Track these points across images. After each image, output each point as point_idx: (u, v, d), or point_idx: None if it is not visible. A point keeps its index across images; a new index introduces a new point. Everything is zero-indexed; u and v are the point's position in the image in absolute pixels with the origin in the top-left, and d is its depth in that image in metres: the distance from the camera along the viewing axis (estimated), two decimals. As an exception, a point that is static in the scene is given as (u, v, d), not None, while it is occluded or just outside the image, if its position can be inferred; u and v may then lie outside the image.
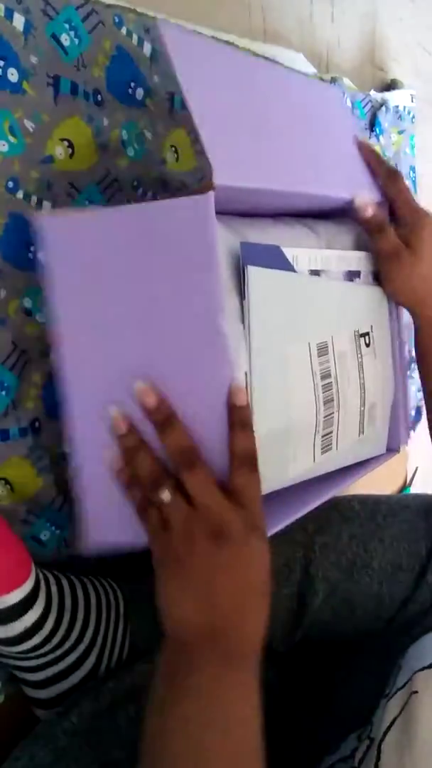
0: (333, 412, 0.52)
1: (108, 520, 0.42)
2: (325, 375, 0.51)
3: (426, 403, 0.59)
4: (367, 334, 0.56)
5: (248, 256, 0.44)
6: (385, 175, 0.56)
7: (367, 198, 0.53)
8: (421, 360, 0.59)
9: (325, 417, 0.51)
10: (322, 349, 0.51)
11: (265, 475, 0.43)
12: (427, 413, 0.59)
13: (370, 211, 0.53)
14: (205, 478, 0.38)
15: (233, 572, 0.37)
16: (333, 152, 0.56)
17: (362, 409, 0.56)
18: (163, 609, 0.38)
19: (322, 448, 0.52)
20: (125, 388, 0.41)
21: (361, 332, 0.56)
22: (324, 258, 0.52)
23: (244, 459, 0.39)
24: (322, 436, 0.52)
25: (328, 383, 0.51)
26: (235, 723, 0.35)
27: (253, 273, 0.44)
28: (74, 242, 0.42)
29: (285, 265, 0.48)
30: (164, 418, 0.39)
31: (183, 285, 0.41)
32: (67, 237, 0.42)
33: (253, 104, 0.48)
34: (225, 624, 0.37)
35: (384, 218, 0.54)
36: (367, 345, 0.56)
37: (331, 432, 0.53)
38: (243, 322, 0.44)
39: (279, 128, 0.50)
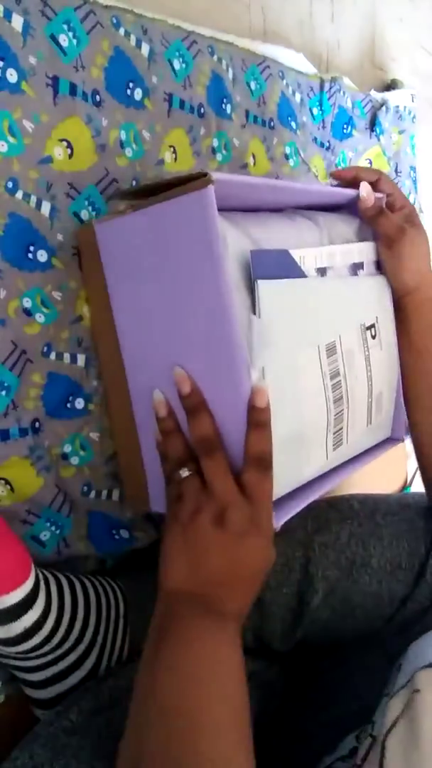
0: (343, 409, 0.52)
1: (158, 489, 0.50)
2: (334, 374, 0.51)
3: (411, 416, 0.60)
4: (373, 326, 0.56)
5: (258, 265, 0.45)
6: (374, 177, 0.58)
7: (370, 189, 0.56)
8: (414, 352, 0.59)
9: (335, 415, 0.51)
10: (331, 350, 0.51)
11: (280, 479, 0.45)
12: (411, 428, 0.60)
13: (372, 199, 0.55)
14: (221, 466, 0.42)
15: (225, 555, 0.41)
16: None
17: (370, 400, 0.56)
18: (162, 565, 0.42)
19: (333, 445, 0.52)
20: (166, 375, 0.46)
21: (366, 325, 0.56)
22: (329, 254, 0.53)
23: (258, 459, 0.42)
24: (334, 434, 0.52)
25: (337, 382, 0.51)
26: (221, 674, 0.38)
27: (264, 287, 0.44)
28: (117, 243, 0.48)
29: (294, 269, 0.49)
30: (194, 406, 0.44)
31: (194, 283, 0.42)
32: (112, 238, 0.48)
33: None
34: (210, 591, 0.41)
35: (383, 204, 0.57)
36: (373, 337, 0.56)
37: (341, 428, 0.53)
38: (255, 313, 0.45)
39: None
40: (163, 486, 0.46)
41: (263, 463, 0.42)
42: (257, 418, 0.42)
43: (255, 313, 0.44)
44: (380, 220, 0.56)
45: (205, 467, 0.42)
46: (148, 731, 0.36)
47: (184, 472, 0.43)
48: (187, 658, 0.38)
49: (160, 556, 0.43)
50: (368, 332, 0.56)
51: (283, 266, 0.48)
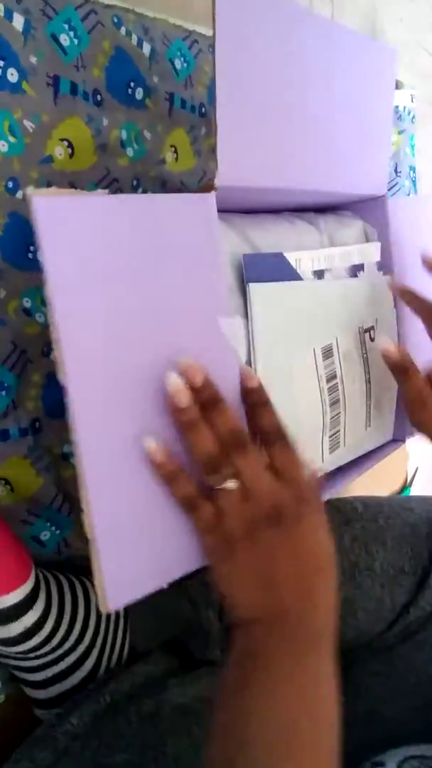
0: (339, 412, 0.52)
1: (130, 574, 0.39)
2: (331, 377, 0.51)
3: None
4: (372, 328, 0.56)
5: (251, 268, 0.44)
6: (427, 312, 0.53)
7: (388, 342, 0.50)
8: None
9: (332, 418, 0.51)
10: (327, 352, 0.51)
11: None
12: None
13: (394, 355, 0.50)
14: (257, 461, 0.38)
15: (292, 552, 0.37)
16: (351, 142, 0.55)
17: (369, 402, 0.56)
18: (229, 598, 0.38)
19: (330, 448, 0.52)
20: (137, 386, 0.38)
21: (365, 327, 0.56)
22: (327, 257, 0.52)
23: (276, 434, 0.39)
24: (330, 437, 0.52)
25: (333, 385, 0.51)
26: (314, 704, 0.34)
27: (255, 290, 0.43)
28: (72, 227, 0.37)
29: (288, 272, 0.48)
30: (211, 397, 0.38)
31: (186, 281, 0.41)
32: (65, 221, 0.36)
33: (287, 84, 0.46)
34: (291, 605, 0.36)
35: (407, 360, 0.51)
36: (372, 339, 0.56)
37: (338, 431, 0.53)
38: (246, 317, 0.45)
39: (304, 115, 0.48)
40: (129, 564, 0.38)
41: (280, 436, 0.39)
42: (255, 399, 0.40)
43: (247, 317, 0.44)
44: (401, 378, 0.51)
45: (241, 466, 0.37)
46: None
47: (231, 483, 0.37)
48: (279, 690, 0.34)
49: (218, 587, 0.38)
50: (366, 335, 0.56)
51: (278, 269, 0.47)
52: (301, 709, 0.34)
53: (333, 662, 0.36)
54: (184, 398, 0.37)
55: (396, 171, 1.00)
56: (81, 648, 0.50)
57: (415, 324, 0.62)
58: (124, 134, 0.56)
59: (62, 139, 0.51)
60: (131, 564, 0.38)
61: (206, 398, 0.38)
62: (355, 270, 0.56)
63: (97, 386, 0.37)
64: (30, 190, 0.34)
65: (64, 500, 0.54)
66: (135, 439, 0.38)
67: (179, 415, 0.38)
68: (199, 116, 0.64)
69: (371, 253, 0.57)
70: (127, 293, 0.38)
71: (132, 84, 0.57)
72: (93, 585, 0.52)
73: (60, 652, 0.48)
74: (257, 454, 0.38)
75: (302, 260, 0.50)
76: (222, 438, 0.38)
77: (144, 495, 0.39)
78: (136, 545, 0.38)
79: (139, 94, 0.57)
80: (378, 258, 0.58)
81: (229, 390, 0.42)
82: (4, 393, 0.49)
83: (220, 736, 0.34)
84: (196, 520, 0.39)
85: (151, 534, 0.39)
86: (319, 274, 0.51)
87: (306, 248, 0.52)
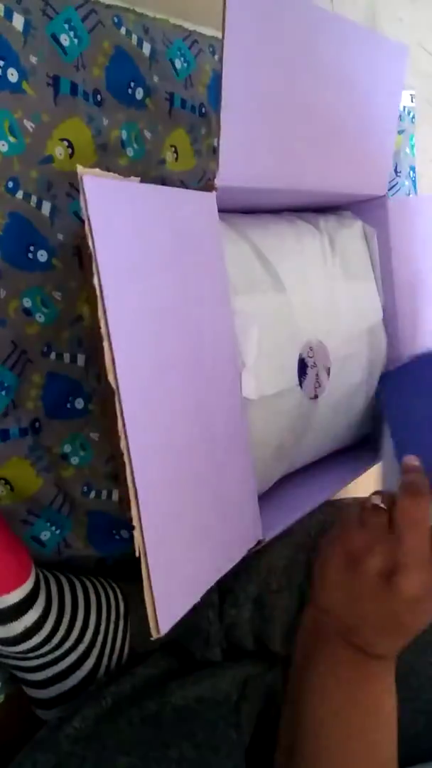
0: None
1: (174, 594, 0.38)
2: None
3: None
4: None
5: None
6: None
7: (415, 462, 0.46)
8: None
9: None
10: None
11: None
12: None
13: (411, 476, 0.45)
14: (422, 514, 0.39)
15: (385, 610, 0.39)
16: (355, 141, 0.54)
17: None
18: (318, 580, 0.42)
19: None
20: (181, 387, 0.38)
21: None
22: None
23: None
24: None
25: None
26: (376, 710, 0.38)
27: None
28: (117, 209, 0.36)
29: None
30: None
31: (196, 277, 0.41)
32: (111, 202, 0.35)
33: (294, 83, 0.46)
34: (362, 630, 0.39)
35: (425, 488, 0.43)
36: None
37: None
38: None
39: (308, 115, 0.48)
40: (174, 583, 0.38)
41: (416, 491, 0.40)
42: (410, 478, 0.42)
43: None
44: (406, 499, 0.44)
45: (403, 507, 0.39)
46: (294, 748, 0.39)
47: (376, 499, 0.41)
48: (342, 689, 0.39)
49: (317, 567, 0.42)
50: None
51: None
52: (358, 705, 0.38)
53: (391, 684, 0.40)
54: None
55: (396, 171, 1.00)
56: (81, 648, 0.49)
57: (412, 324, 0.62)
58: (124, 134, 0.56)
59: (62, 139, 0.51)
60: (177, 581, 0.38)
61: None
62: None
63: (142, 384, 0.35)
64: (80, 169, 0.33)
65: (64, 500, 0.54)
66: (176, 436, 0.37)
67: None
68: (199, 116, 0.63)
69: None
70: (159, 281, 0.37)
71: (132, 84, 0.57)
72: (95, 588, 0.53)
73: (60, 651, 0.48)
74: (429, 511, 0.40)
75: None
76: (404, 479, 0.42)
77: (183, 501, 0.38)
78: (179, 563, 0.38)
79: (139, 94, 0.57)
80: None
81: (228, 390, 0.42)
82: (4, 393, 0.49)
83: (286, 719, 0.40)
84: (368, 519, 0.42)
85: (189, 551, 0.39)
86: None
87: (306, 249, 0.52)
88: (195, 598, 0.39)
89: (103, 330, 0.33)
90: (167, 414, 0.37)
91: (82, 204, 0.32)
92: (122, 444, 0.33)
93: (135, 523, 0.34)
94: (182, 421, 0.38)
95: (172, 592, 0.37)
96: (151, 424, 0.36)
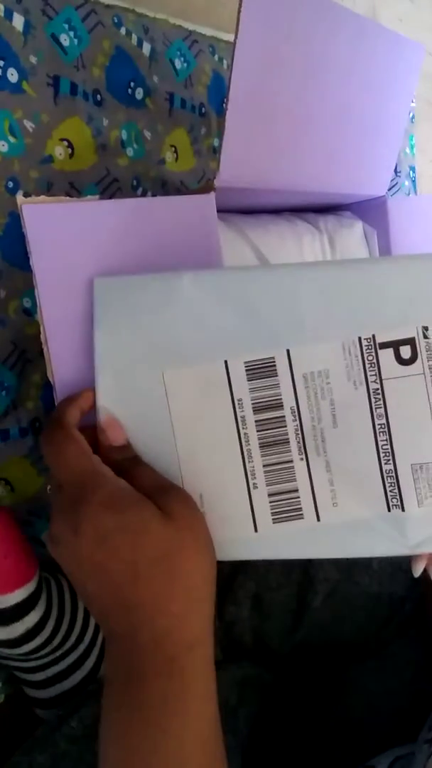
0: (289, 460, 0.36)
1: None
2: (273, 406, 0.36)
3: None
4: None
5: None
6: None
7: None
8: None
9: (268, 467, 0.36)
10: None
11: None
12: None
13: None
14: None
15: (82, 571, 0.31)
16: (361, 142, 0.54)
17: (381, 465, 0.35)
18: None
19: (273, 515, 0.36)
20: None
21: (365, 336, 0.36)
22: None
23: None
24: (271, 496, 0.36)
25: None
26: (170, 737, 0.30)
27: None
28: (61, 232, 0.37)
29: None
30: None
31: None
32: (54, 227, 0.37)
33: (304, 84, 0.45)
34: (116, 628, 0.31)
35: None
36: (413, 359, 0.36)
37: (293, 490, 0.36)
38: None
39: (316, 116, 0.48)
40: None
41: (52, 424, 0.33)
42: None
43: None
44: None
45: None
46: None
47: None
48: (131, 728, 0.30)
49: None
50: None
51: None
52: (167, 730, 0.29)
53: (206, 678, 0.31)
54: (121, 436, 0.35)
55: (396, 171, 1.00)
56: (81, 648, 0.50)
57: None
58: (124, 134, 0.56)
59: (62, 139, 0.51)
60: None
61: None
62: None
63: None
64: (20, 198, 0.35)
65: (64, 500, 0.54)
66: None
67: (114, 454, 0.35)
68: (199, 116, 0.64)
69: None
70: None
71: (132, 84, 0.57)
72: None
73: (60, 652, 0.48)
74: None
75: None
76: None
77: None
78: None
79: (139, 94, 0.57)
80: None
81: None
82: (4, 393, 0.49)
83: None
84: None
85: None
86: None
87: (306, 249, 0.52)
88: None
89: (42, 338, 0.37)
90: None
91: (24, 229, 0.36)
92: None
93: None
94: None
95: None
96: None
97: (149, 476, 0.34)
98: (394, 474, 0.35)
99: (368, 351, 0.35)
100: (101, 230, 0.38)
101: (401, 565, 0.54)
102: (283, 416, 0.35)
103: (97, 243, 0.38)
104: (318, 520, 0.35)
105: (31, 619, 0.46)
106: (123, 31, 0.55)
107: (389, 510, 0.35)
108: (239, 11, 0.38)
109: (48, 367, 0.37)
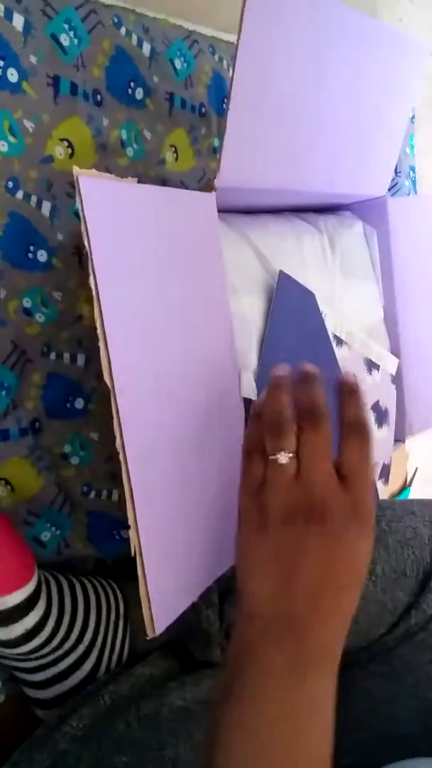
0: None
1: (170, 594, 0.38)
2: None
3: None
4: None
5: (282, 288, 0.43)
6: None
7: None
8: None
9: None
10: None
11: None
12: None
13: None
14: (325, 447, 0.35)
15: (325, 559, 0.33)
16: (362, 142, 0.54)
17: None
18: (242, 580, 0.35)
19: None
20: (177, 386, 0.37)
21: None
22: (349, 333, 0.51)
23: (356, 426, 0.36)
24: None
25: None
26: (299, 738, 0.32)
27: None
28: (113, 210, 0.36)
29: (314, 312, 0.47)
30: (309, 374, 0.37)
31: (193, 276, 0.41)
32: (108, 203, 0.36)
33: (306, 85, 0.45)
34: (303, 612, 0.33)
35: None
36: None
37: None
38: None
39: (317, 117, 0.48)
40: (170, 587, 0.37)
41: (361, 432, 0.35)
42: (346, 387, 0.37)
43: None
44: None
45: (308, 444, 0.34)
46: None
47: (283, 458, 0.34)
48: (258, 719, 0.31)
49: (236, 561, 0.36)
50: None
51: (305, 305, 0.46)
52: (283, 743, 0.31)
53: (333, 688, 0.33)
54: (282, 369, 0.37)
55: (396, 171, 1.00)
56: (81, 648, 0.50)
57: (415, 329, 0.62)
58: (124, 134, 0.56)
59: (62, 139, 0.51)
60: (173, 581, 0.38)
61: (303, 376, 0.36)
62: (371, 366, 0.54)
63: (144, 392, 0.36)
64: (76, 169, 0.33)
65: (65, 500, 0.54)
66: (172, 437, 0.37)
67: (273, 380, 0.36)
68: (199, 116, 0.63)
69: (390, 363, 0.56)
70: (156, 282, 0.37)
71: (132, 84, 0.57)
72: (95, 588, 0.53)
73: (60, 652, 0.48)
74: (329, 440, 0.35)
75: (328, 315, 0.49)
76: (300, 406, 0.35)
77: (180, 501, 0.38)
78: (176, 559, 0.38)
79: (139, 94, 0.57)
80: (393, 372, 0.56)
81: (227, 389, 0.42)
82: (4, 393, 0.49)
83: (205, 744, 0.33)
84: (243, 474, 0.37)
85: (186, 551, 0.38)
86: (338, 341, 0.50)
87: (306, 248, 0.52)
88: (192, 598, 0.39)
89: (99, 331, 0.33)
90: (165, 415, 0.37)
91: (78, 205, 0.32)
92: (118, 443, 0.34)
93: (131, 522, 0.34)
94: (180, 421, 0.38)
95: (168, 592, 0.37)
96: (148, 424, 0.36)
97: (362, 493, 0.36)
98: None
99: None
100: (138, 212, 0.37)
101: (405, 570, 0.53)
102: None
103: (138, 224, 0.37)
104: None
105: (30, 620, 0.46)
106: (123, 31, 0.55)
107: None
108: (242, 11, 0.38)
109: (104, 367, 0.34)
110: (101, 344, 0.33)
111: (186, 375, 0.39)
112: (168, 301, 0.38)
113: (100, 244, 0.33)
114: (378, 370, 0.55)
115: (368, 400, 0.53)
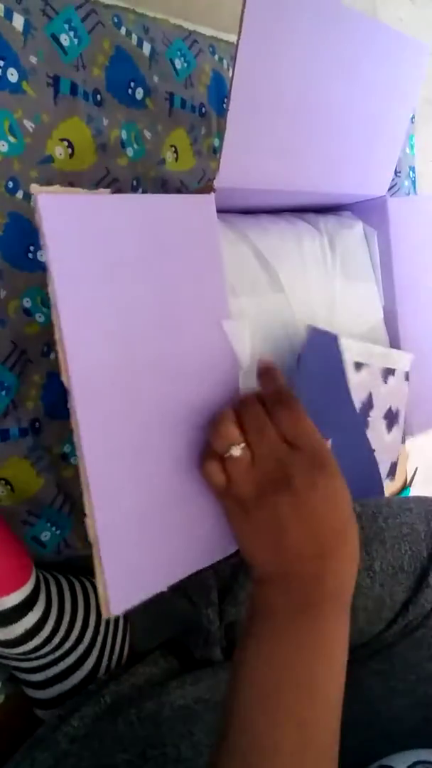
0: None
1: (132, 578, 0.39)
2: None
3: None
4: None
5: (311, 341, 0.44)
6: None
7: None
8: None
9: None
10: None
11: None
12: None
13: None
14: (264, 425, 0.38)
15: (303, 516, 0.36)
16: (362, 143, 0.54)
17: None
18: (246, 556, 0.39)
19: None
20: (140, 385, 0.39)
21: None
22: (367, 352, 0.52)
23: (284, 399, 0.39)
24: None
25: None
26: (309, 684, 0.34)
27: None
28: (76, 225, 0.37)
29: (336, 356, 0.48)
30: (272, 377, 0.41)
31: (187, 281, 0.41)
32: (69, 219, 0.36)
33: (306, 85, 0.45)
34: (302, 568, 0.36)
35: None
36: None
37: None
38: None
39: (317, 117, 0.48)
40: (131, 567, 0.38)
41: (288, 401, 0.38)
42: (261, 368, 0.41)
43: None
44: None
45: (249, 426, 0.38)
46: (221, 743, 0.33)
47: (236, 450, 0.38)
48: (271, 667, 0.34)
49: (241, 551, 0.40)
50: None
51: (328, 353, 0.47)
52: (300, 683, 0.34)
53: (344, 632, 0.36)
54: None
55: (396, 171, 1.00)
56: (81, 648, 0.50)
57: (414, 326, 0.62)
58: (124, 134, 0.56)
59: (62, 139, 0.51)
60: (134, 567, 0.39)
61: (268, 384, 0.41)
62: (387, 374, 0.55)
63: (99, 385, 0.37)
64: (34, 187, 0.34)
65: (65, 500, 0.54)
66: (139, 436, 0.38)
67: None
68: (199, 116, 0.63)
69: (404, 362, 0.57)
70: (130, 293, 0.38)
71: (132, 84, 0.57)
72: (95, 588, 0.53)
73: (60, 652, 0.48)
74: (265, 418, 0.38)
75: (351, 349, 0.50)
76: (267, 395, 0.40)
77: (147, 495, 0.39)
78: (138, 548, 0.39)
79: (139, 94, 0.57)
80: (408, 368, 0.57)
81: (226, 389, 0.42)
82: (4, 393, 0.49)
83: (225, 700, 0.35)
84: (211, 486, 0.40)
85: (153, 536, 0.39)
86: (357, 366, 0.51)
87: (306, 249, 0.52)
88: (160, 587, 0.40)
89: (56, 336, 0.36)
90: (129, 412, 0.38)
91: (37, 221, 0.34)
92: (75, 441, 0.36)
93: (87, 511, 0.36)
94: (151, 418, 0.39)
95: (128, 577, 0.38)
96: (108, 421, 0.37)
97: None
98: None
99: None
100: (110, 224, 0.38)
101: (403, 566, 0.53)
102: None
103: (108, 237, 0.38)
104: None
105: (30, 620, 0.46)
106: (123, 31, 0.55)
107: None
108: (243, 11, 0.38)
109: (61, 367, 0.36)
110: (59, 347, 0.36)
111: (163, 374, 0.40)
112: (143, 306, 0.39)
113: (59, 257, 0.35)
114: (393, 374, 0.55)
115: (382, 408, 0.54)
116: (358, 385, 0.51)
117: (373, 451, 0.52)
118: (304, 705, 0.34)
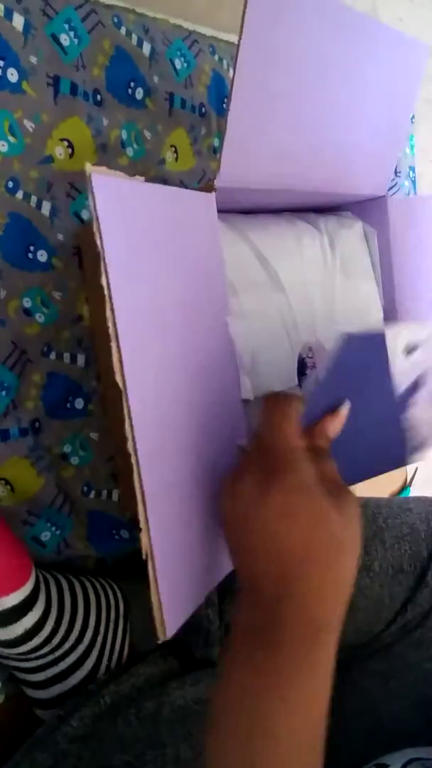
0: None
1: (180, 596, 0.37)
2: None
3: None
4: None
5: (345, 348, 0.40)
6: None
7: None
8: None
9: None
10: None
11: None
12: None
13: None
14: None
15: (249, 529, 0.33)
16: (362, 143, 0.53)
17: None
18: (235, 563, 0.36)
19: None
20: (189, 389, 0.37)
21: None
22: (421, 330, 0.50)
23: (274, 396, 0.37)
24: None
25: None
26: (260, 717, 0.31)
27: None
28: (123, 206, 0.35)
29: (378, 352, 0.44)
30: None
31: (195, 276, 0.41)
32: (118, 199, 0.35)
33: (306, 85, 0.45)
34: (266, 587, 0.33)
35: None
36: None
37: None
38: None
39: (317, 117, 0.47)
40: (179, 590, 0.36)
41: (281, 395, 0.37)
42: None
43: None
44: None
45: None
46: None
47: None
48: (228, 689, 0.33)
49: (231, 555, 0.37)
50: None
51: (368, 349, 0.43)
52: (251, 711, 0.31)
53: (310, 661, 0.33)
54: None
55: (396, 171, 1.00)
56: (81, 648, 0.50)
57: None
58: (124, 134, 0.56)
59: (62, 139, 0.51)
60: (181, 584, 0.37)
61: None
62: (410, 351, 0.53)
63: (151, 393, 0.35)
64: (88, 167, 0.32)
65: (65, 500, 0.54)
66: (186, 443, 0.37)
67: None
68: (199, 116, 0.64)
69: (425, 332, 0.55)
70: (164, 281, 0.37)
71: (132, 84, 0.57)
72: (95, 588, 0.53)
73: (60, 652, 0.48)
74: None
75: (401, 335, 0.47)
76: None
77: (192, 507, 0.38)
78: (183, 562, 0.37)
79: (139, 94, 0.57)
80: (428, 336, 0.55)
81: (228, 389, 0.42)
82: (4, 393, 0.49)
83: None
84: None
85: (194, 549, 0.38)
86: (410, 350, 0.49)
87: (306, 249, 0.52)
88: (201, 599, 0.39)
89: (111, 330, 0.32)
90: (172, 415, 0.37)
91: (90, 202, 0.32)
92: (129, 445, 0.33)
93: (142, 525, 0.34)
94: (186, 421, 0.38)
95: (178, 595, 0.37)
96: (157, 425, 0.35)
97: (332, 471, 0.36)
98: None
99: None
100: (145, 210, 0.36)
101: (402, 566, 0.53)
102: None
103: (141, 223, 0.36)
104: None
105: (29, 620, 0.46)
106: (123, 31, 0.55)
107: None
108: (244, 11, 0.38)
109: (115, 368, 0.33)
110: (113, 344, 0.32)
111: (189, 375, 0.39)
112: (174, 301, 0.38)
113: (113, 244, 0.33)
114: (416, 350, 0.54)
115: (404, 384, 0.51)
116: (409, 368, 0.49)
117: (406, 431, 0.49)
118: (254, 735, 0.31)
